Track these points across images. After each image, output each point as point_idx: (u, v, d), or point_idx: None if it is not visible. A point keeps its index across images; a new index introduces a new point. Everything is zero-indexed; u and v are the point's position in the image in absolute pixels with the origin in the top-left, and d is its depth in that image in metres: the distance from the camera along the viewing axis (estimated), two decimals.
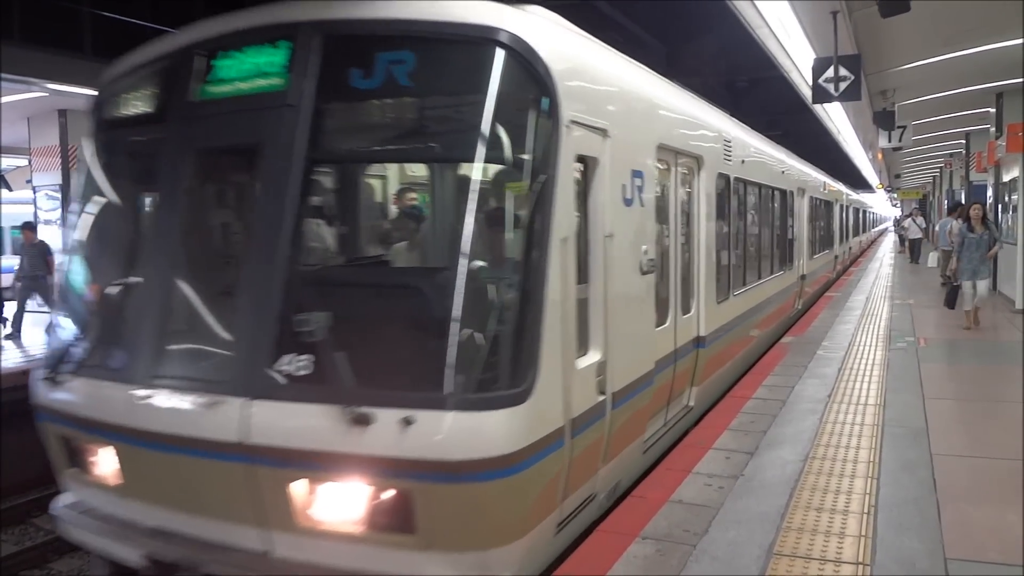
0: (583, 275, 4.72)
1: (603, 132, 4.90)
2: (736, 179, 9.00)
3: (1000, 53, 11.74)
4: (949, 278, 13.38)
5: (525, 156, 4.08)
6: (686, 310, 7.14)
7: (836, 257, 21.17)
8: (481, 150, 3.91)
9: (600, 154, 4.87)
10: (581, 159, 4.67)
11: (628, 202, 5.33)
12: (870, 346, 11.01)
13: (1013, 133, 14.05)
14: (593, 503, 5.00)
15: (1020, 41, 10.93)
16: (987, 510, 5.04)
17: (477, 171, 3.93)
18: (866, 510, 4.99)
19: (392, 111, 4.33)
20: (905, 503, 5.11)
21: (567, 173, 4.30)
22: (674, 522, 4.86)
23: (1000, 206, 17.58)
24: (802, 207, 14.60)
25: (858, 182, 40.83)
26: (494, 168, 4.10)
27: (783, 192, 12.69)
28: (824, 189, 18.54)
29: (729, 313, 8.60)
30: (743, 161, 9.34)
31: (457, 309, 3.73)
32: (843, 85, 10.54)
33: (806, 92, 12.90)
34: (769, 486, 5.48)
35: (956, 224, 14.91)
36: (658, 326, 6.21)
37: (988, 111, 16.47)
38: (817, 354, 10.47)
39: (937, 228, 19.39)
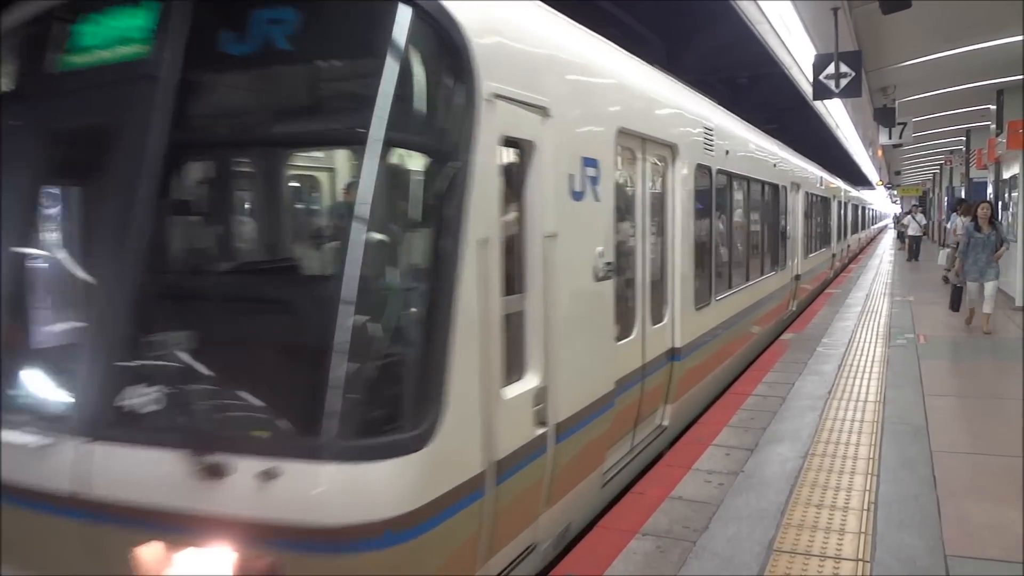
0: (518, 284, 4.05)
1: (542, 111, 4.15)
2: (719, 172, 8.19)
3: (1001, 50, 11.73)
4: (952, 279, 13.27)
5: (429, 138, 3.42)
6: (657, 319, 6.32)
7: (833, 255, 21.09)
8: (375, 131, 3.16)
9: (538, 137, 4.13)
10: (512, 142, 3.94)
11: (578, 195, 4.57)
12: (870, 343, 11.02)
13: (1013, 130, 14.06)
14: (534, 554, 4.25)
15: (1020, 38, 10.92)
16: (987, 507, 5.05)
17: (369, 157, 3.16)
18: (866, 507, 5.00)
19: (268, 82, 3.64)
20: (905, 500, 5.12)
21: (488, 159, 3.58)
22: (674, 518, 4.87)
23: (1000, 203, 17.58)
24: (796, 203, 14.18)
25: (858, 178, 40.85)
26: (390, 153, 3.31)
27: (775, 187, 12.14)
28: (821, 184, 18.34)
29: (711, 320, 7.83)
30: (728, 152, 8.54)
31: (341, 329, 2.99)
32: (844, 81, 10.53)
33: (806, 88, 12.90)
34: (769, 482, 5.49)
35: (961, 221, 14.83)
36: (620, 339, 5.45)
37: (988, 108, 16.47)
38: (817, 351, 10.48)
39: (949, 225, 19.15)
